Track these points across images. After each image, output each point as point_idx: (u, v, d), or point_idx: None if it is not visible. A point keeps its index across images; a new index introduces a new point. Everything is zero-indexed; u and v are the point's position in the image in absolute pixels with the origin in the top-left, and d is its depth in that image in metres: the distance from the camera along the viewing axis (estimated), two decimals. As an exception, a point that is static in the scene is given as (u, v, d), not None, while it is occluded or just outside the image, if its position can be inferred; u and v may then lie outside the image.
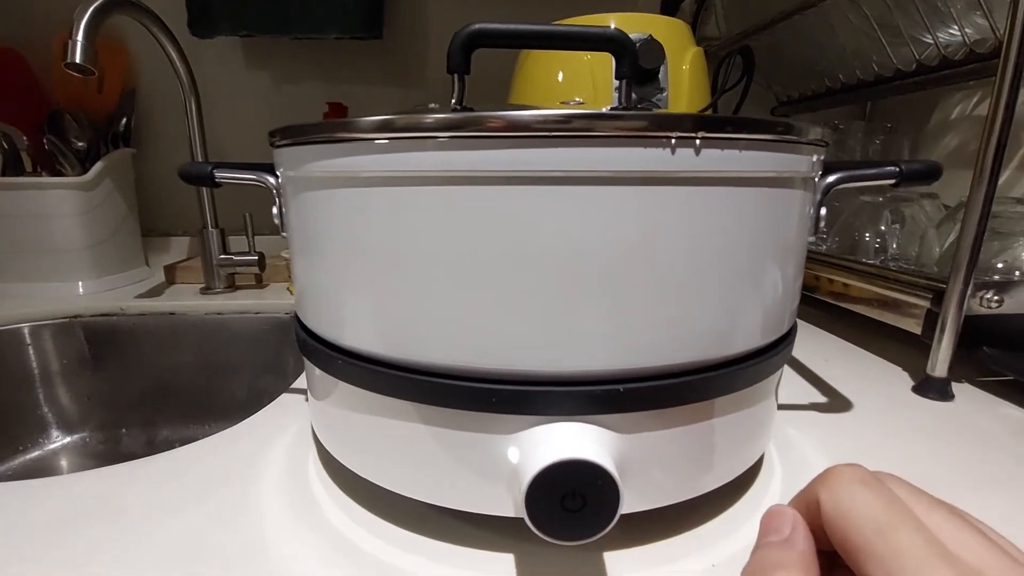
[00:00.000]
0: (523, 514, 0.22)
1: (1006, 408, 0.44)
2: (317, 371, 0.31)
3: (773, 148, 0.23)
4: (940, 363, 0.44)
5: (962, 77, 0.62)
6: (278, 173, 0.32)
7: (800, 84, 0.87)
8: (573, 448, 0.21)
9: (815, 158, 0.27)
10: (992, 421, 0.41)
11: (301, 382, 0.49)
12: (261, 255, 0.76)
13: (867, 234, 0.64)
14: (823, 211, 0.30)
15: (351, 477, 0.30)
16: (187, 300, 0.74)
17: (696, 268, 0.23)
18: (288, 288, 0.77)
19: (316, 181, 0.28)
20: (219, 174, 0.35)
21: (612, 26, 0.65)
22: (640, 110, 0.21)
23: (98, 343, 0.70)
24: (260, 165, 0.34)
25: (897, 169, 0.30)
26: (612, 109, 0.37)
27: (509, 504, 0.24)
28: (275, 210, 0.34)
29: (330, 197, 0.27)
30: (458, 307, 0.24)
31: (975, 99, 0.75)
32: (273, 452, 0.36)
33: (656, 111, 0.26)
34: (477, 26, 0.34)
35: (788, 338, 0.30)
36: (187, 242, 0.92)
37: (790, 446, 0.37)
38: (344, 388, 0.28)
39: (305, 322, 0.32)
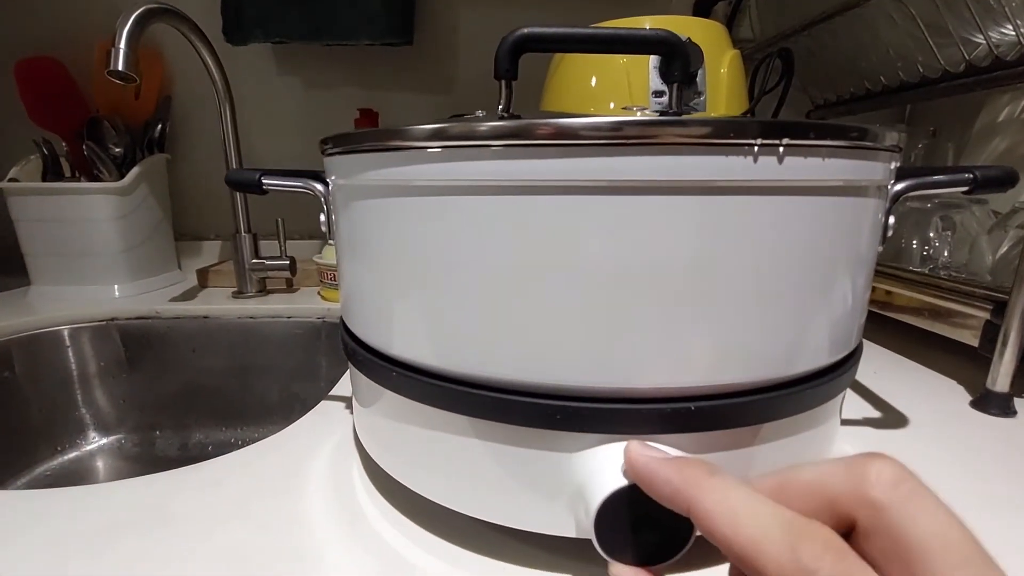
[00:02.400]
0: (590, 536, 0.21)
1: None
2: (366, 381, 0.30)
3: (854, 155, 0.22)
4: (1002, 377, 0.43)
5: (1016, 78, 0.59)
6: (328, 181, 0.32)
7: (838, 86, 0.85)
8: (645, 470, 0.20)
9: (892, 165, 0.25)
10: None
11: (339, 389, 0.48)
12: (292, 259, 0.76)
13: (914, 240, 0.61)
14: (891, 219, 0.29)
15: (398, 489, 0.30)
16: (220, 304, 0.74)
17: (771, 282, 0.22)
18: (319, 293, 0.77)
19: (368, 190, 0.27)
20: (266, 181, 0.34)
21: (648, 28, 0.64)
22: (713, 118, 0.20)
23: (133, 345, 0.71)
24: (306, 172, 0.34)
25: (971, 176, 0.29)
26: (664, 113, 0.36)
27: (570, 524, 0.24)
28: (323, 217, 0.33)
29: (382, 206, 0.27)
30: (517, 320, 0.23)
31: (1024, 101, 0.72)
32: (317, 461, 0.36)
33: (732, 117, 0.25)
34: (526, 30, 0.33)
35: (856, 354, 0.28)
36: (219, 246, 0.93)
37: (847, 463, 0.35)
38: (395, 399, 0.28)
39: (354, 331, 0.31)
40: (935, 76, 0.67)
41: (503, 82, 0.34)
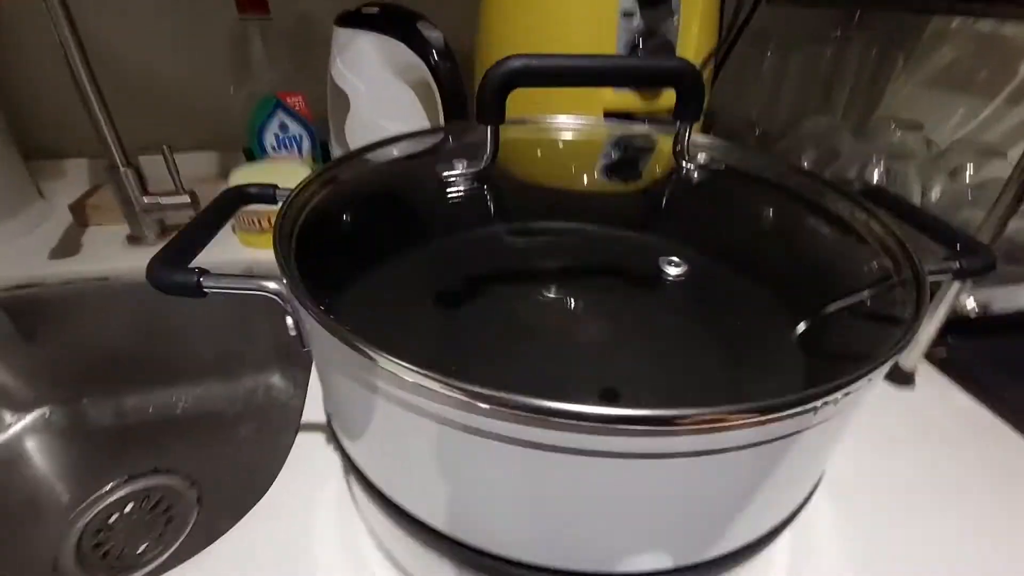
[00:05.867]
0: None
1: (962, 397, 0.49)
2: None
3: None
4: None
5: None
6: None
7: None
8: None
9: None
10: (946, 410, 0.47)
11: (311, 414, 0.46)
12: (193, 193, 0.64)
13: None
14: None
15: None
16: (116, 258, 0.64)
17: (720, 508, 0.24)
18: (238, 238, 0.67)
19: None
20: (206, 283, 0.28)
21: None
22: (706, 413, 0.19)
23: (23, 318, 0.61)
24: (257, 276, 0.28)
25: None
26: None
27: None
28: (289, 321, 0.29)
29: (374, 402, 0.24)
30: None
31: (976, 11, 0.70)
32: (318, 530, 0.36)
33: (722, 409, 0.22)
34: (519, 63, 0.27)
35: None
36: (86, 165, 0.76)
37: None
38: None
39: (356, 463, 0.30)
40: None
41: (488, 128, 0.30)
